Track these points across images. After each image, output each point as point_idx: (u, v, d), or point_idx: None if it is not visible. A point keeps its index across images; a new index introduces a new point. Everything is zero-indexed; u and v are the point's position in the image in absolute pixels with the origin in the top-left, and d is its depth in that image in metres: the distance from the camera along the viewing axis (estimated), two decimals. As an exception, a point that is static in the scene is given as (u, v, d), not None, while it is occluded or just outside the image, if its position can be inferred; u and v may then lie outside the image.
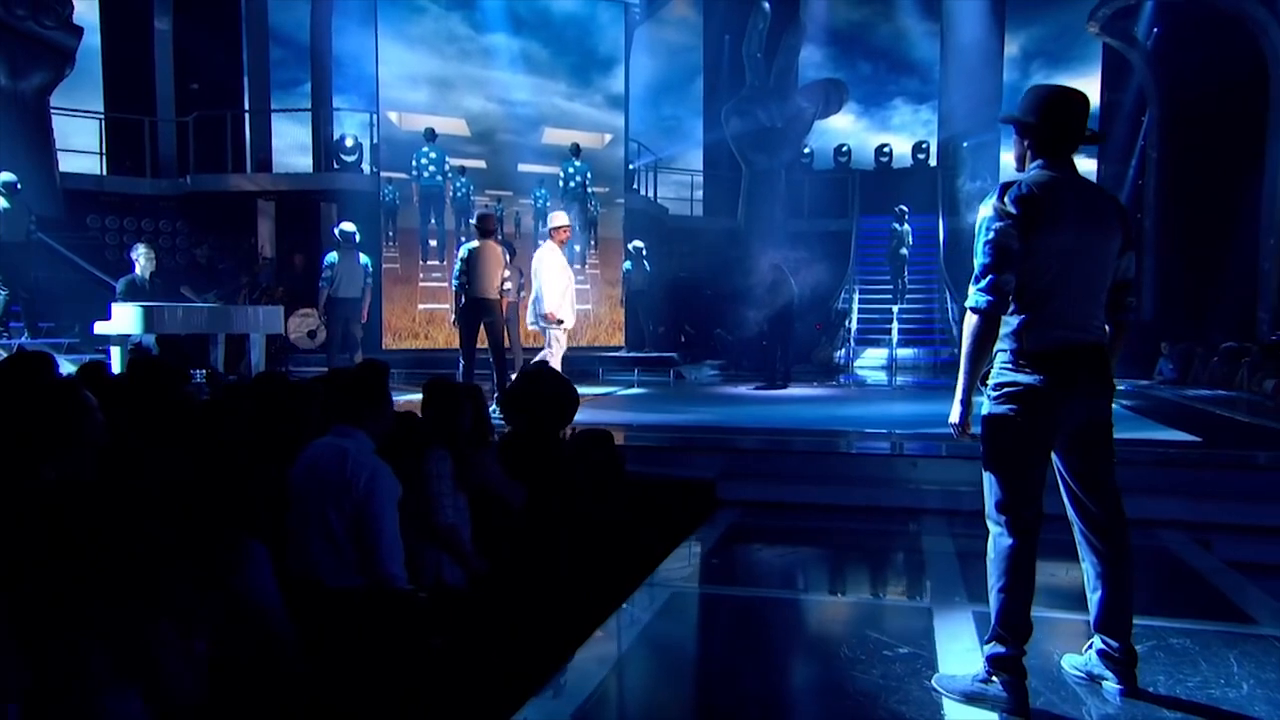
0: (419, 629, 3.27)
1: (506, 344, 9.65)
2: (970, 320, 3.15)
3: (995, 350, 3.23)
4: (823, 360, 16.01)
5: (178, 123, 15.38)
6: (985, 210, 3.16)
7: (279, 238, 14.88)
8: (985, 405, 3.22)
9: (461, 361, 9.13)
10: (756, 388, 12.30)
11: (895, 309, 16.44)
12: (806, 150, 19.75)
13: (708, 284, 17.11)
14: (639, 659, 3.70)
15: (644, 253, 15.39)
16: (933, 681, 3.32)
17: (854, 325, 16.70)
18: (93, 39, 14.79)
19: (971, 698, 3.15)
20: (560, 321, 8.92)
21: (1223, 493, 6.17)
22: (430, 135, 14.32)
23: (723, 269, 17.26)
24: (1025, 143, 3.27)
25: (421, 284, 14.54)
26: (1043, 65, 19.37)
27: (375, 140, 14.42)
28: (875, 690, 3.31)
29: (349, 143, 14.57)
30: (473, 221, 9.44)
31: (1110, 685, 3.26)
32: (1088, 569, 3.29)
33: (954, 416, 3.22)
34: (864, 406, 10.86)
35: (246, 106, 16.33)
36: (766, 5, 17.89)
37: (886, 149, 20.20)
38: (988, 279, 3.09)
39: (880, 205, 18.15)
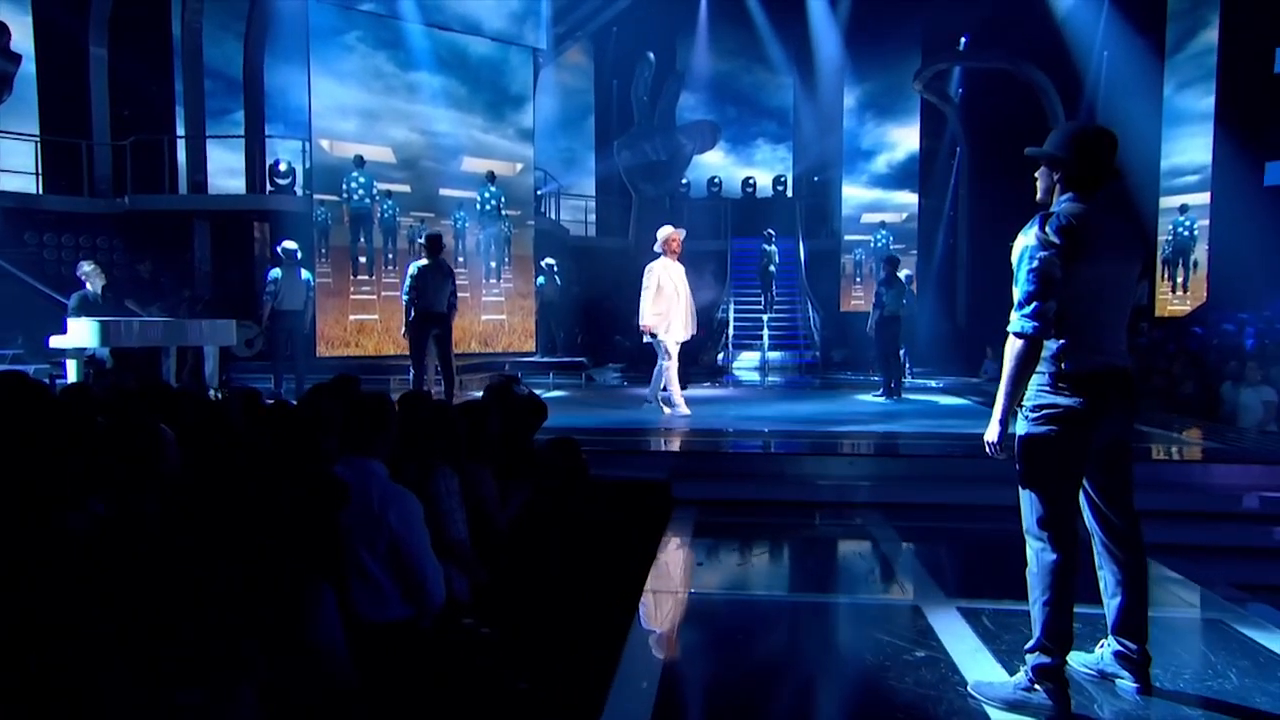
0: (496, 668, 2.69)
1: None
2: (1014, 345, 2.81)
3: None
4: (707, 363, 15.79)
5: (113, 146, 13.90)
6: (1026, 240, 2.83)
7: (215, 254, 13.65)
8: (1022, 426, 2.89)
9: (412, 371, 8.43)
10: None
11: (765, 318, 16.39)
12: (684, 181, 19.50)
13: (608, 296, 16.65)
14: (680, 678, 3.21)
15: (555, 269, 14.88)
16: (970, 689, 2.97)
17: (731, 332, 16.53)
18: (27, 65, 13.21)
19: (1014, 706, 2.83)
20: (655, 334, 8.32)
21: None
22: (359, 161, 13.40)
23: (619, 282, 16.83)
24: (1055, 176, 2.95)
25: (352, 297, 13.58)
26: (875, 115, 19.55)
27: (308, 165, 13.37)
28: (917, 700, 2.95)
29: (283, 167, 13.47)
30: (420, 241, 8.69)
31: (1126, 684, 3.00)
32: (1106, 576, 3.01)
33: (991, 435, 2.88)
34: (765, 406, 10.59)
35: (180, 132, 14.96)
36: (651, 56, 17.57)
37: (751, 181, 20.17)
38: (1033, 305, 2.76)
39: (748, 229, 18.08)
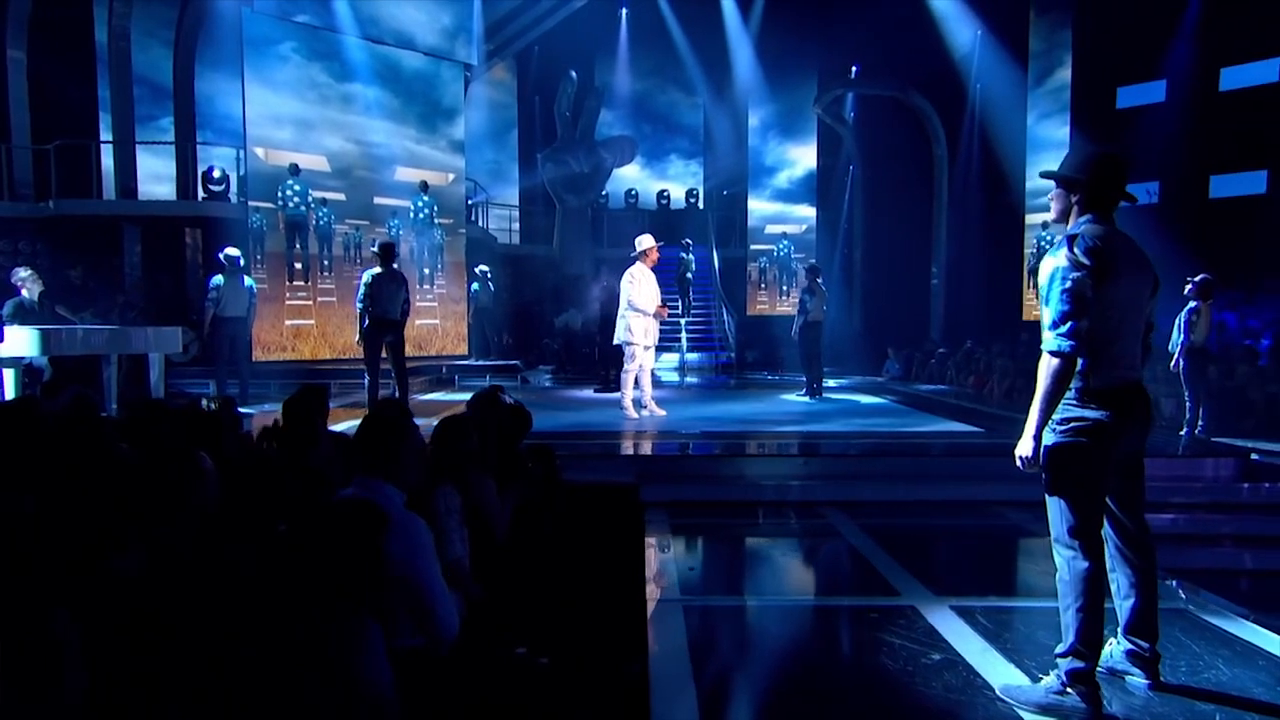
0: (560, 702, 2.41)
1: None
2: (1051, 363, 2.71)
3: None
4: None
5: (35, 150, 12.69)
6: (1057, 261, 2.73)
7: (145, 260, 12.64)
8: (1050, 438, 2.79)
9: (367, 377, 7.93)
10: (596, 390, 11.65)
11: (683, 321, 16.30)
12: (604, 193, 19.24)
13: (536, 301, 16.27)
14: (717, 696, 2.99)
15: (489, 275, 14.41)
16: (999, 693, 2.86)
17: (653, 335, 16.35)
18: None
19: (1048, 709, 2.73)
20: (665, 304, 8.21)
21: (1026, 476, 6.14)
22: (294, 170, 12.65)
23: (545, 288, 16.49)
24: (1073, 198, 2.85)
25: (288, 302, 12.83)
26: (776, 135, 19.75)
27: (242, 173, 12.53)
28: (951, 706, 2.83)
29: (217, 174, 12.57)
30: (374, 249, 8.17)
31: (1137, 680, 2.94)
32: (1120, 580, 2.94)
33: (1025, 450, 2.77)
34: (700, 407, 10.34)
35: (103, 137, 13.79)
36: (574, 74, 17.22)
37: (665, 194, 20.07)
38: (1068, 325, 2.66)
39: (664, 238, 17.82)
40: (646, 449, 6.84)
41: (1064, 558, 2.78)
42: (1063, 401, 2.76)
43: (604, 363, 12.25)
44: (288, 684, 2.01)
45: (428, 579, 2.67)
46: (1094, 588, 2.72)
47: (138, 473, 2.30)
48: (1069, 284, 2.67)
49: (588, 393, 11.52)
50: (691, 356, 16.04)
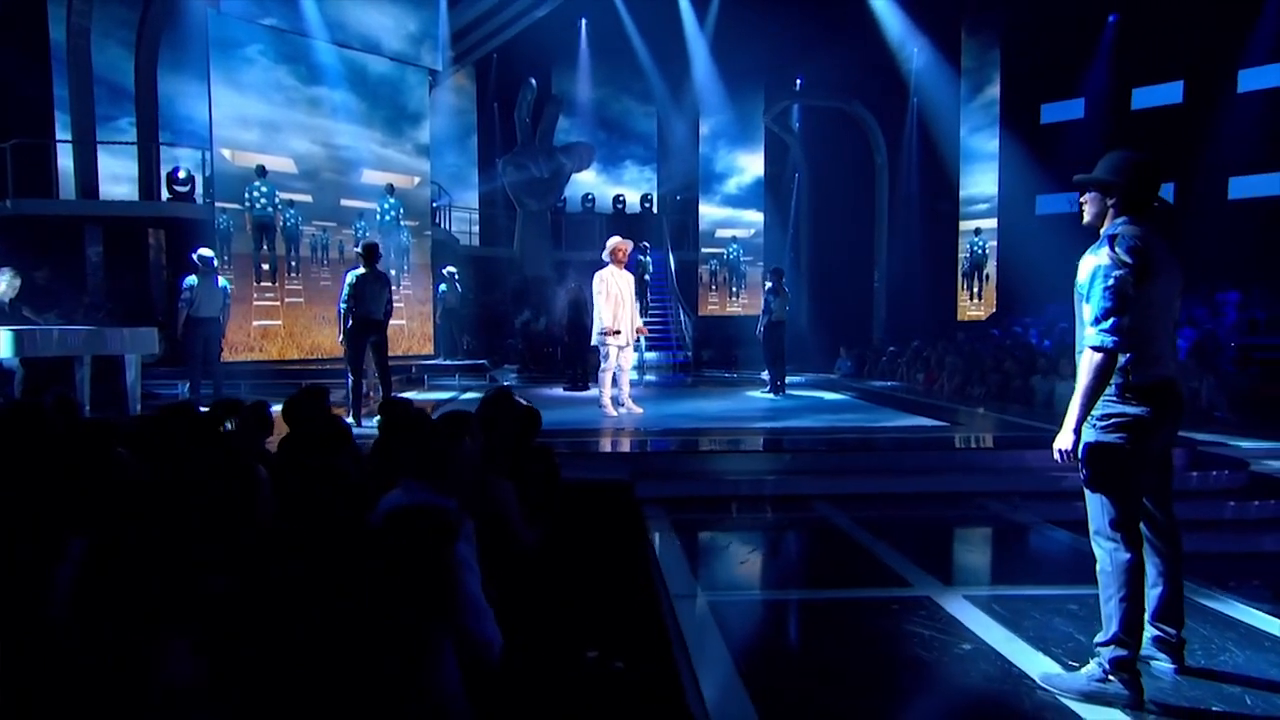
0: (641, 710, 2.28)
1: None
2: (1093, 358, 2.68)
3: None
4: (593, 364, 15.40)
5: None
6: (1099, 259, 2.70)
7: (107, 261, 11.98)
8: (1091, 434, 2.77)
9: (350, 377, 7.63)
10: (566, 388, 11.47)
11: (641, 321, 16.17)
12: (562, 197, 19.02)
13: (499, 301, 15.97)
14: (767, 691, 2.90)
15: (456, 276, 14.09)
16: (1040, 682, 2.84)
17: (613, 335, 16.19)
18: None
19: (1091, 697, 2.72)
20: (617, 333, 7.88)
21: (998, 468, 6.16)
22: (261, 171, 12.16)
23: (507, 289, 16.21)
24: (1109, 201, 2.82)
25: (255, 303, 12.32)
26: (726, 143, 19.79)
27: (209, 174, 11.99)
28: (996, 694, 2.81)
29: (183, 174, 11.99)
30: (358, 250, 7.88)
31: (1162, 665, 2.96)
32: (1148, 568, 2.93)
33: (1065, 444, 2.75)
34: (671, 404, 10.19)
35: (58, 136, 13.04)
36: (533, 81, 16.97)
37: (621, 198, 19.94)
38: (1111, 321, 2.64)
39: (622, 241, 17.82)
40: (634, 446, 6.72)
41: (1105, 550, 2.77)
42: (1104, 398, 2.75)
43: (568, 362, 12.07)
44: (366, 698, 1.86)
45: (463, 595, 2.52)
46: (1135, 578, 2.71)
47: (202, 486, 2.10)
48: (1111, 281, 2.65)
49: (557, 391, 11.33)
50: (650, 355, 15.90)
